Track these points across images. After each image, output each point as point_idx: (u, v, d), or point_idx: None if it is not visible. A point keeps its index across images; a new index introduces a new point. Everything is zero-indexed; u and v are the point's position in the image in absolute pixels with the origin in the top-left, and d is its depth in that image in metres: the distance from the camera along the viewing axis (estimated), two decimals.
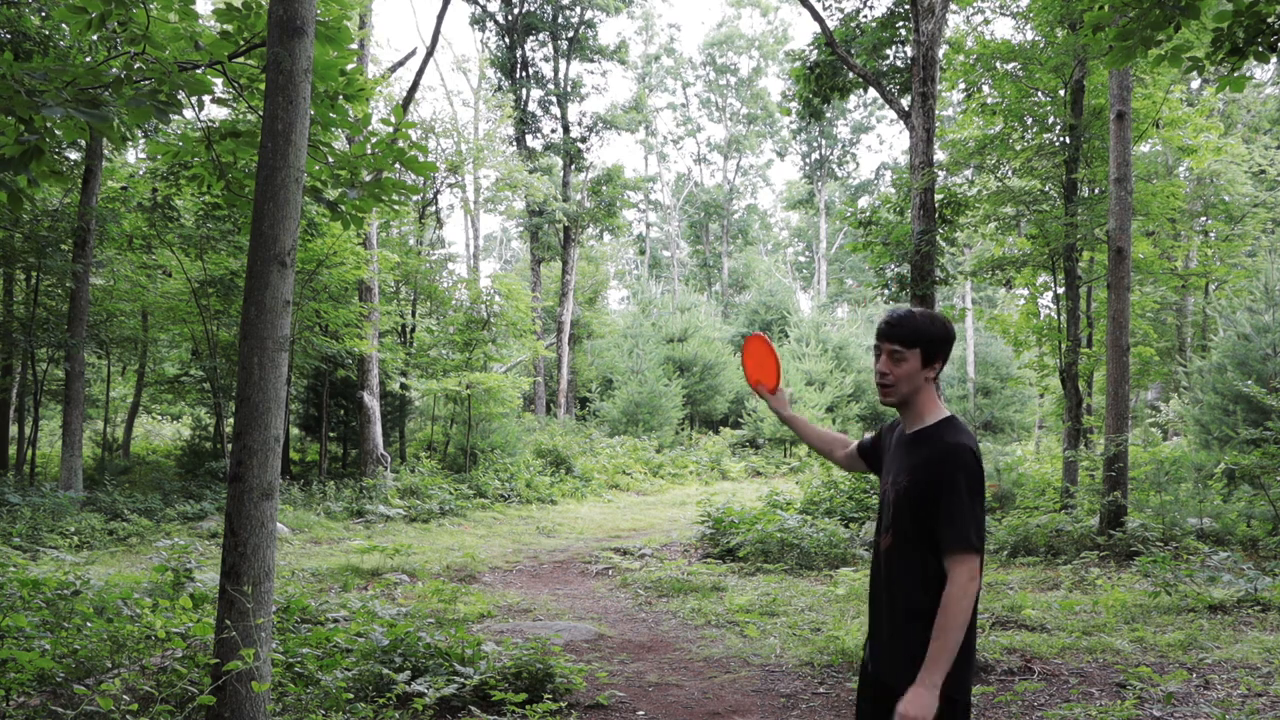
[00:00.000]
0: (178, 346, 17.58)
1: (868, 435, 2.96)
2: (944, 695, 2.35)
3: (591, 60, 31.73)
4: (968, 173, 15.67)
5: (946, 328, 2.57)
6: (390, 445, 17.54)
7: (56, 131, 4.77)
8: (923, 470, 2.47)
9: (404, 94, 18.32)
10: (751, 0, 48.29)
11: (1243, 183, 19.05)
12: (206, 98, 5.06)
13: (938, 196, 13.02)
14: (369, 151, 5.36)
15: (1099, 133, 12.44)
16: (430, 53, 16.86)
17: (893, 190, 15.49)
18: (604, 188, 30.24)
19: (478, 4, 30.15)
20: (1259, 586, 7.33)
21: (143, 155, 17.45)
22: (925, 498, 2.44)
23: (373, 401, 15.84)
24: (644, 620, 7.71)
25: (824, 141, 48.15)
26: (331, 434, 17.12)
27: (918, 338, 2.52)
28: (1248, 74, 14.74)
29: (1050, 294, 14.40)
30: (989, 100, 13.97)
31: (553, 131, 31.27)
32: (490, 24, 30.66)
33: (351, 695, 4.63)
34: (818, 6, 14.40)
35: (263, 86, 4.39)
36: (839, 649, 6.16)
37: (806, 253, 60.08)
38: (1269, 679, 5.36)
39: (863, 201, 42.06)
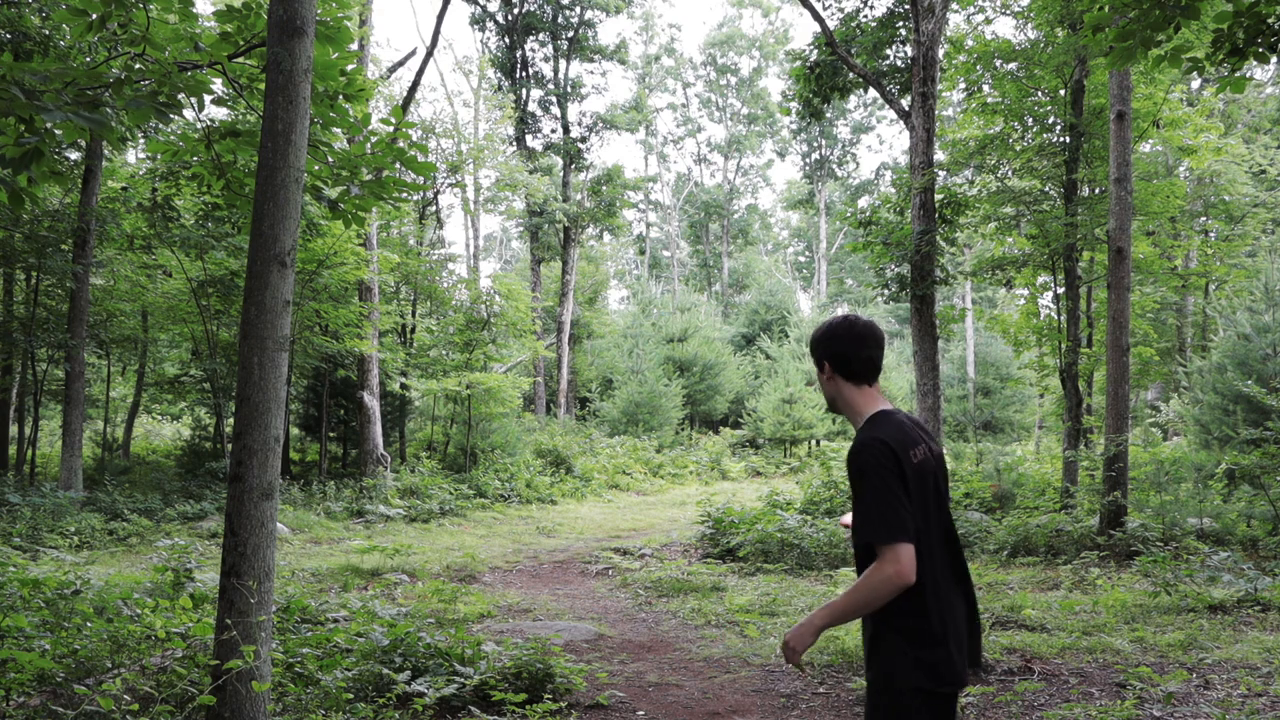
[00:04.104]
0: (178, 346, 17.59)
1: None
2: (885, 679, 2.46)
3: (591, 60, 31.73)
4: (968, 173, 15.66)
5: (825, 329, 2.67)
6: (390, 445, 17.53)
7: (57, 132, 4.77)
8: (848, 476, 2.53)
9: (404, 94, 18.33)
10: (752, 0, 48.30)
11: (1243, 183, 19.04)
12: (207, 98, 5.06)
13: (938, 196, 13.01)
14: (369, 151, 5.36)
15: (1099, 133, 12.44)
16: (430, 53, 16.86)
17: (893, 190, 15.47)
18: (604, 188, 30.25)
19: (478, 4, 30.16)
20: (1259, 586, 7.33)
21: (143, 155, 17.45)
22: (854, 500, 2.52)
23: (373, 401, 15.84)
24: (644, 620, 7.71)
25: (824, 141, 48.14)
26: (331, 434, 17.12)
27: (813, 351, 2.68)
28: (1248, 74, 14.75)
29: (1050, 294, 14.40)
30: (989, 100, 13.96)
31: (553, 131, 31.28)
32: (490, 24, 30.67)
33: (351, 695, 4.64)
34: (818, 6, 14.39)
35: (263, 86, 4.39)
36: (839, 649, 6.16)
37: (806, 253, 60.07)
38: (1269, 679, 5.36)
39: (863, 201, 42.07)
